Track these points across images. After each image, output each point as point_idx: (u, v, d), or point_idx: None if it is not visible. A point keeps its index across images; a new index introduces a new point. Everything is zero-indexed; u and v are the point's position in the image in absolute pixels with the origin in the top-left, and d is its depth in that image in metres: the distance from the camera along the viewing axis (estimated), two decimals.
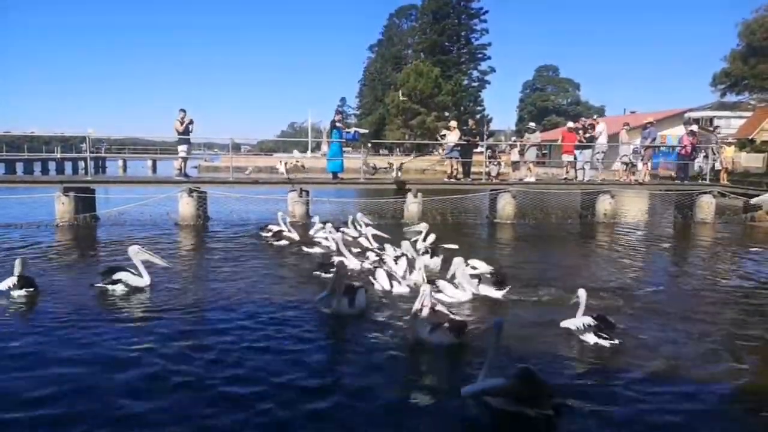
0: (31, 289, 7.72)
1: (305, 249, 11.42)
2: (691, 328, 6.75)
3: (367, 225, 12.29)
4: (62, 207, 14.84)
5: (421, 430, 4.37)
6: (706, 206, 17.46)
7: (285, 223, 12.65)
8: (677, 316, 7.21)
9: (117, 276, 7.97)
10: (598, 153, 18.87)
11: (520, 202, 16.97)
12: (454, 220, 16.56)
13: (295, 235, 12.38)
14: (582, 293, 6.51)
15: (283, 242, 12.22)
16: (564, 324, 6.41)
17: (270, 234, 12.68)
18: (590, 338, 6.08)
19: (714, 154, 20.98)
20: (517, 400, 4.33)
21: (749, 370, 5.58)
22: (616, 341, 6.03)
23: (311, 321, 6.87)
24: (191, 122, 16.54)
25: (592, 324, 6.13)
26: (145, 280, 8.13)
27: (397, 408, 4.66)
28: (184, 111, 16.41)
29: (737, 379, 5.35)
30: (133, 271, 8.16)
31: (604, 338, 6.02)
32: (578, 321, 6.29)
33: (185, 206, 15.42)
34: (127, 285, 7.97)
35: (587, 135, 18.72)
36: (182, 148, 17.00)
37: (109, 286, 7.90)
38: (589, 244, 13.70)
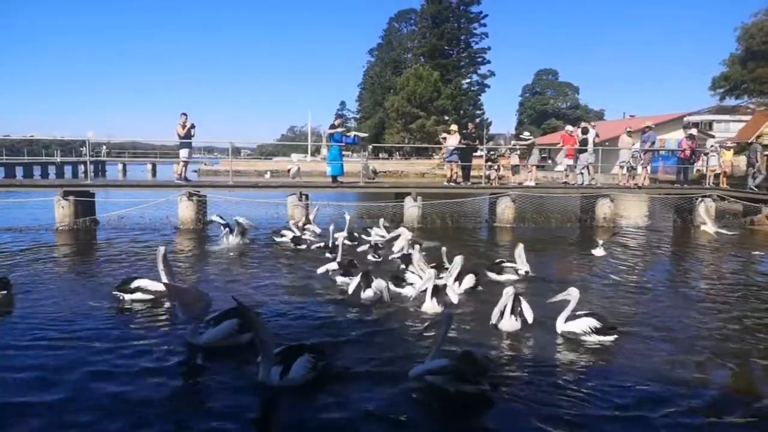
0: (4, 292, 7.71)
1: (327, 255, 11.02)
2: (683, 332, 6.75)
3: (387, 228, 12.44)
4: (62, 211, 14.85)
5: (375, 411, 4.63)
6: (705, 210, 17.44)
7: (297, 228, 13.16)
8: (671, 319, 7.22)
9: (136, 284, 7.77)
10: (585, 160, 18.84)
11: (519, 206, 16.98)
12: (454, 224, 16.57)
13: (313, 237, 12.88)
14: (574, 292, 6.54)
15: (303, 246, 12.18)
16: (563, 324, 6.48)
17: (287, 239, 12.74)
18: (590, 337, 6.27)
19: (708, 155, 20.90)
20: (458, 378, 4.73)
21: (739, 376, 5.56)
22: (611, 337, 6.24)
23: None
24: (193, 126, 16.56)
25: (593, 325, 6.27)
26: (158, 287, 7.75)
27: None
28: (185, 115, 16.43)
29: (718, 385, 5.31)
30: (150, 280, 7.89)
31: (605, 335, 6.24)
32: (579, 323, 6.36)
33: (185, 210, 15.43)
34: (147, 291, 7.75)
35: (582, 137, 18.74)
36: (183, 153, 17.02)
37: (126, 296, 7.68)
38: (588, 247, 13.67)
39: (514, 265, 9.45)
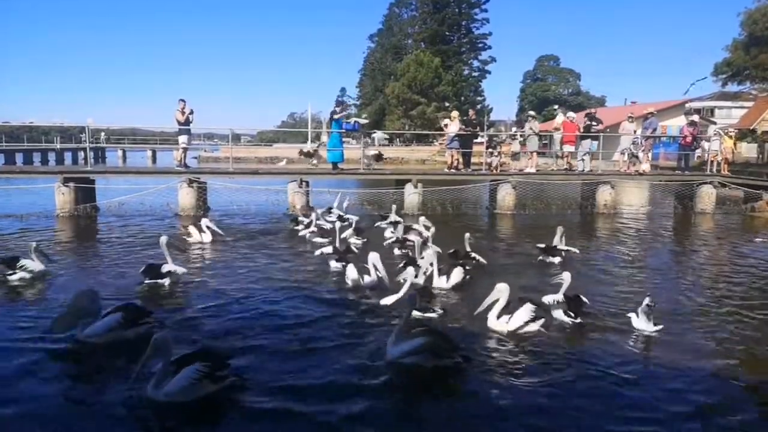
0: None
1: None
2: (678, 319, 6.79)
3: (427, 228, 11.13)
4: (62, 197, 14.85)
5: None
6: (707, 196, 17.47)
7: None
8: (668, 305, 7.26)
9: (165, 269, 7.81)
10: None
11: (520, 192, 16.96)
12: (455, 211, 16.56)
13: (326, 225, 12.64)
14: (566, 276, 6.83)
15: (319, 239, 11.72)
16: (543, 299, 6.70)
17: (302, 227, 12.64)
18: (558, 315, 6.51)
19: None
20: (435, 354, 5.08)
21: (736, 362, 5.58)
22: (579, 320, 6.37)
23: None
24: (191, 112, 16.49)
25: (561, 301, 6.55)
26: (173, 267, 7.91)
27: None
28: (184, 101, 16.37)
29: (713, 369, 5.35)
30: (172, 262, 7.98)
31: (570, 317, 6.41)
32: (550, 297, 6.66)
33: (185, 197, 15.43)
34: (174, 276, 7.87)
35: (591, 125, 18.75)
36: (182, 139, 16.96)
37: (159, 280, 7.75)
38: (589, 234, 13.70)
39: (567, 247, 9.98)
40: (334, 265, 8.84)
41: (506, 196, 16.73)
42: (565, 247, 10.01)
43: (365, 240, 11.25)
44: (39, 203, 15.72)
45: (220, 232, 11.64)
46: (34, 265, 8.04)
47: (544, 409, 4.46)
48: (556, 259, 9.66)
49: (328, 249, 9.77)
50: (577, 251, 10.17)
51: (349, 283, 7.95)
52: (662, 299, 7.31)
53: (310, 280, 8.41)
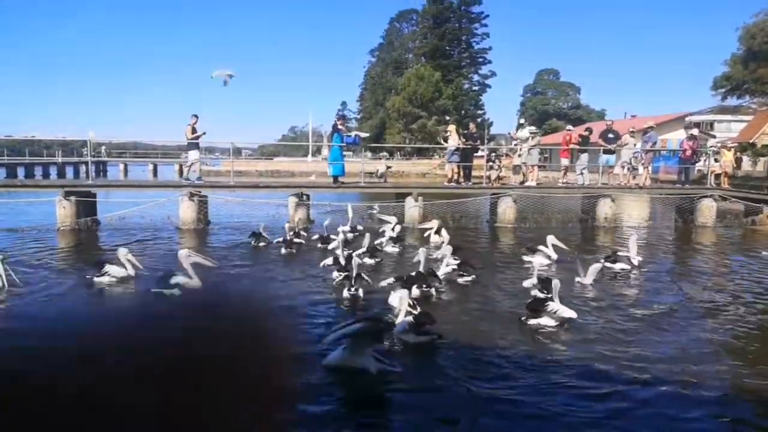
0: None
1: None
2: (677, 330, 6.80)
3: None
4: (63, 211, 14.86)
5: None
6: (707, 210, 17.46)
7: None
8: (667, 316, 7.30)
9: (174, 280, 7.94)
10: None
11: (521, 206, 16.96)
12: (455, 224, 16.55)
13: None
14: (535, 261, 8.79)
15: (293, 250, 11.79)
16: (524, 283, 8.21)
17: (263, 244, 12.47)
18: (535, 292, 7.71)
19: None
20: (418, 332, 5.97)
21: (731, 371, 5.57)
22: (551, 295, 7.08)
23: None
24: (204, 133, 16.64)
25: (536, 284, 7.94)
26: (195, 283, 8.05)
27: None
28: (197, 117, 16.41)
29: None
30: (185, 276, 8.13)
31: (546, 292, 7.34)
32: (528, 281, 8.18)
33: (186, 210, 15.44)
34: (182, 288, 7.92)
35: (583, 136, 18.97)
36: (194, 154, 17.01)
37: (166, 291, 7.79)
38: (589, 247, 13.67)
39: (628, 254, 10.36)
40: (336, 275, 8.79)
41: (507, 209, 16.73)
42: (630, 255, 10.36)
43: (379, 260, 10.83)
44: (40, 217, 15.72)
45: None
46: (119, 270, 8.67)
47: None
48: (617, 266, 10.09)
49: (329, 261, 9.77)
50: (639, 261, 10.40)
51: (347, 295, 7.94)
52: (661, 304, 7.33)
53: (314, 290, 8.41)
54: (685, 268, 11.39)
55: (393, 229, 13.06)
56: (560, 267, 10.33)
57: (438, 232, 11.99)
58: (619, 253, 10.51)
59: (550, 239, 10.99)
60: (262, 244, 12.41)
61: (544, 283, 7.81)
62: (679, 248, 14.46)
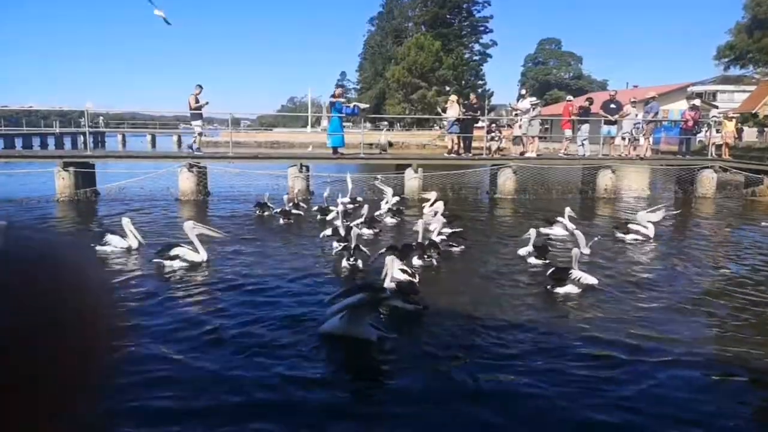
0: None
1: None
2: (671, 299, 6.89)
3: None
4: (62, 182, 14.81)
5: None
6: (707, 181, 17.44)
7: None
8: (663, 287, 7.37)
9: (175, 252, 7.98)
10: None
11: (520, 177, 16.92)
12: (455, 196, 16.54)
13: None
14: (532, 231, 8.75)
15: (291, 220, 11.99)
16: (519, 251, 8.70)
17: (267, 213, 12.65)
18: (532, 260, 8.32)
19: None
20: (404, 300, 6.07)
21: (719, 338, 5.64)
22: (547, 260, 8.13)
23: None
24: (207, 103, 16.59)
25: (532, 251, 8.46)
26: (202, 256, 8.12)
27: None
28: (201, 87, 16.29)
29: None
30: (189, 247, 8.15)
31: (541, 259, 8.22)
32: (524, 249, 8.65)
33: (185, 181, 15.41)
34: (185, 260, 7.98)
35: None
36: (197, 123, 16.93)
37: (167, 262, 7.91)
38: (588, 219, 13.69)
39: (639, 227, 10.45)
40: (336, 245, 8.79)
41: (507, 180, 16.69)
42: (643, 226, 10.46)
43: (378, 231, 10.76)
44: (39, 188, 15.69)
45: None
46: (120, 241, 8.64)
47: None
48: (629, 237, 10.29)
49: (328, 231, 9.82)
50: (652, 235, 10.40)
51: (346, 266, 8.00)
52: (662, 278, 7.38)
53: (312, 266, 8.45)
54: (685, 239, 11.42)
55: (388, 202, 13.08)
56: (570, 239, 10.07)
57: (433, 204, 11.90)
58: (630, 225, 10.58)
59: (568, 211, 11.08)
60: (266, 213, 12.61)
61: (540, 251, 8.32)
62: (679, 219, 14.47)
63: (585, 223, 12.34)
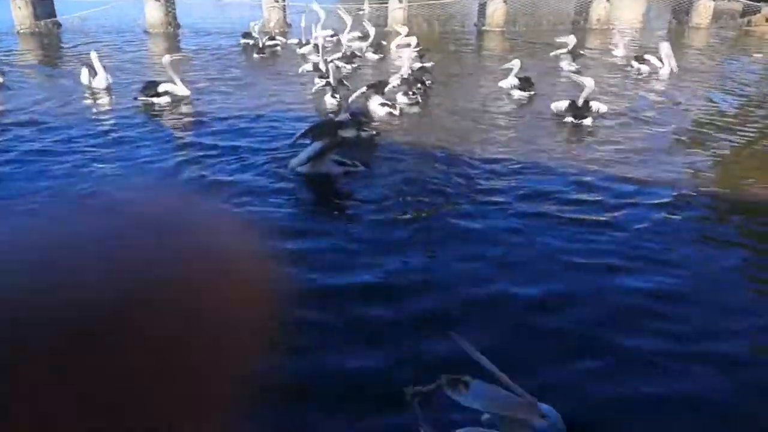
0: None
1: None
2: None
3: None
4: (20, 12, 13.74)
5: None
6: (704, 10, 16.61)
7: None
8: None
9: (163, 88, 7.63)
10: None
11: (510, 7, 15.94)
12: (441, 28, 15.70)
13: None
14: (516, 62, 8.38)
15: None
16: (500, 83, 8.50)
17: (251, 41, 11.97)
18: (515, 93, 8.25)
19: None
20: (358, 129, 6.03)
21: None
22: (532, 92, 8.21)
23: None
24: None
25: (516, 83, 8.30)
26: (183, 90, 7.83)
27: None
28: None
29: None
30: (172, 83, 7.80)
31: (526, 91, 8.22)
32: (505, 81, 8.42)
33: (152, 12, 14.38)
34: (174, 95, 7.70)
35: None
36: None
37: (155, 99, 7.56)
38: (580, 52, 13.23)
39: (657, 58, 10.07)
40: (318, 81, 8.38)
41: (496, 11, 15.73)
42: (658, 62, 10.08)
43: (357, 66, 10.39)
44: None
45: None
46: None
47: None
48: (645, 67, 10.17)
49: (309, 66, 9.34)
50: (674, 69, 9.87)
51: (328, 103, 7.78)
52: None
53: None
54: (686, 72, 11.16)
55: (364, 38, 12.01)
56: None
57: (406, 38, 10.91)
58: (646, 56, 10.38)
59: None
60: (251, 42, 11.94)
61: (524, 83, 8.25)
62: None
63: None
